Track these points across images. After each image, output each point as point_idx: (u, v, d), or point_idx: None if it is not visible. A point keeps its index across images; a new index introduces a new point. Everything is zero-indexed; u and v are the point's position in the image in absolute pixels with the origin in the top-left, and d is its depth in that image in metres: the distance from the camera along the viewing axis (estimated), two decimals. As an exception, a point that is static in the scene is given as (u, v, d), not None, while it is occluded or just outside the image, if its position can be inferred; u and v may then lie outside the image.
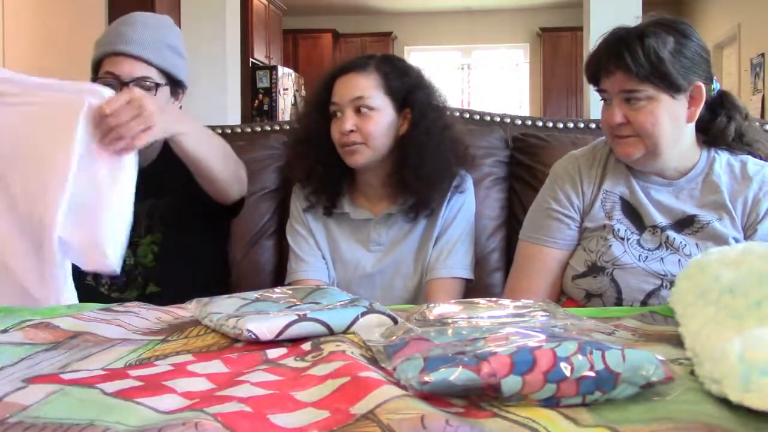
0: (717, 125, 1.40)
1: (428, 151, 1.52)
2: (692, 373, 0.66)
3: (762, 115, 6.46)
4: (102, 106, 1.19)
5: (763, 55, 6.70)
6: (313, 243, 1.62)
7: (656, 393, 0.59)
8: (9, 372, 0.68)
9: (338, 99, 1.52)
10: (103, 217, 1.21)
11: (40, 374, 0.67)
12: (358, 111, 1.50)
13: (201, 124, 1.45)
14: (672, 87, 1.29)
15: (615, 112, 1.32)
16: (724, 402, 0.56)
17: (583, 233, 1.44)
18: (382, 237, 1.60)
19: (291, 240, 1.64)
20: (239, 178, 1.54)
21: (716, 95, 1.40)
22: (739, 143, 1.41)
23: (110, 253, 1.21)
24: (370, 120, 1.50)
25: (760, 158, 1.43)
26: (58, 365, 0.72)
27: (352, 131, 1.49)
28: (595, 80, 1.38)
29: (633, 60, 1.27)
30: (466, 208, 1.62)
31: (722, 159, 1.41)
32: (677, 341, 0.77)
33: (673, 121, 1.31)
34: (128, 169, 1.23)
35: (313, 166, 1.59)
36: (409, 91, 1.54)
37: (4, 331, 0.84)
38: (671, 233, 1.36)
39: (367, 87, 1.51)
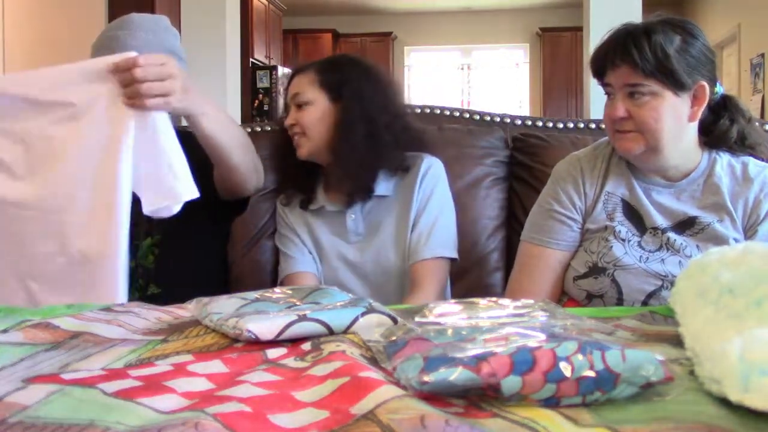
0: (719, 127, 1.40)
1: (347, 141, 1.58)
2: (692, 373, 0.66)
3: (762, 115, 6.46)
4: (137, 58, 1.18)
5: (763, 55, 6.70)
6: (298, 241, 1.67)
7: (656, 393, 0.59)
8: (9, 372, 0.68)
9: (287, 100, 1.67)
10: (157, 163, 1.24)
11: (40, 374, 0.67)
12: (298, 107, 1.62)
13: (223, 110, 1.45)
14: (676, 84, 1.29)
15: (618, 105, 1.33)
16: (724, 402, 0.56)
17: (585, 234, 1.44)
18: (359, 227, 1.64)
19: (279, 244, 1.72)
20: (257, 170, 1.56)
21: (719, 98, 1.40)
22: (742, 146, 1.42)
23: (179, 188, 1.24)
24: (304, 113, 1.61)
25: (763, 160, 1.43)
26: (58, 365, 0.72)
27: (293, 125, 1.61)
28: (600, 74, 1.38)
29: (639, 54, 1.28)
30: (439, 189, 1.65)
31: (723, 160, 1.41)
32: (677, 341, 0.77)
33: (675, 118, 1.32)
34: (159, 122, 1.24)
35: (286, 165, 1.69)
36: (341, 83, 1.62)
37: (4, 331, 0.84)
38: (672, 235, 1.37)
39: (302, 84, 1.63)
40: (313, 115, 1.60)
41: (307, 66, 1.66)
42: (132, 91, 1.19)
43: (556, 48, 9.36)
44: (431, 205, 1.62)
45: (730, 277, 0.76)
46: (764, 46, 6.68)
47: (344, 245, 1.64)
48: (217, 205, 1.57)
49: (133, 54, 1.21)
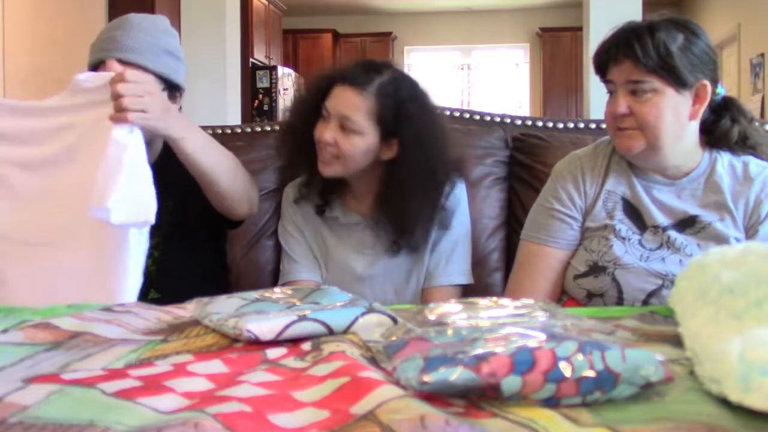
0: (720, 127, 1.40)
1: (412, 193, 1.50)
2: (692, 373, 0.66)
3: (762, 115, 6.46)
4: (124, 73, 1.25)
5: (763, 55, 6.70)
6: (304, 243, 1.62)
7: (656, 393, 0.59)
8: (9, 372, 0.68)
9: (330, 107, 1.49)
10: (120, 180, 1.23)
11: (40, 374, 0.67)
12: (342, 127, 1.48)
13: (209, 136, 1.45)
14: (678, 81, 1.30)
15: (620, 102, 1.33)
16: (724, 402, 0.56)
17: (585, 233, 1.44)
18: (373, 241, 1.59)
19: (282, 241, 1.65)
20: (249, 198, 1.52)
21: (721, 100, 1.40)
22: (743, 146, 1.42)
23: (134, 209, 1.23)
24: (350, 140, 1.47)
25: (764, 160, 1.43)
26: (58, 365, 0.72)
27: (329, 143, 1.48)
28: (602, 71, 1.38)
29: (642, 50, 1.29)
30: (460, 212, 1.61)
31: (724, 159, 1.41)
32: (677, 341, 0.77)
33: (675, 116, 1.32)
34: (131, 136, 1.25)
35: (299, 156, 1.59)
36: (400, 123, 1.49)
37: (4, 331, 0.84)
38: (672, 233, 1.37)
39: (358, 109, 1.47)
40: (359, 147, 1.48)
41: (367, 83, 1.48)
42: (116, 104, 1.24)
43: (556, 48, 9.36)
44: (452, 231, 1.58)
45: (730, 277, 0.76)
46: (764, 46, 6.67)
47: (354, 257, 1.60)
48: (212, 217, 1.55)
49: (120, 69, 1.28)
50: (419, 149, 1.49)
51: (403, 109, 1.49)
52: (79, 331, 0.85)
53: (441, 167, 1.54)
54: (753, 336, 0.59)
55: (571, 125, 1.99)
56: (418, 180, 1.50)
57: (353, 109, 1.47)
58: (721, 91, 1.40)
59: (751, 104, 6.78)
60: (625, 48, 1.31)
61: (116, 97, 1.23)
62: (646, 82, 1.30)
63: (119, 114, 1.23)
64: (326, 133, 1.48)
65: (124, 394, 0.60)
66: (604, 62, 1.37)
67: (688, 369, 0.67)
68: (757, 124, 1.50)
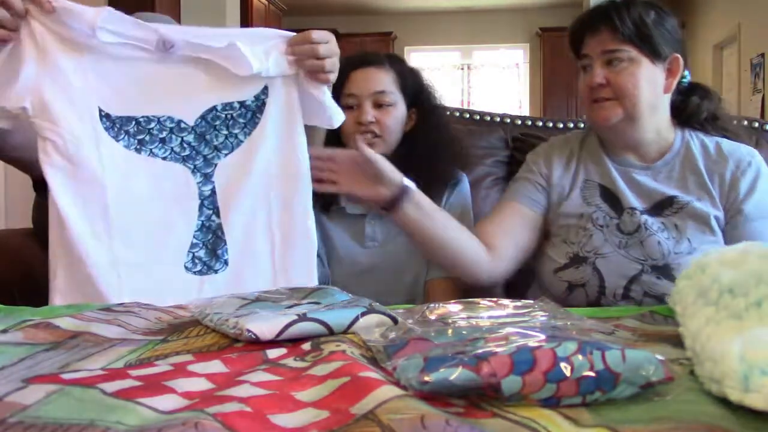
0: (690, 104, 1.45)
1: (433, 149, 1.56)
2: (692, 373, 0.66)
3: (762, 115, 6.45)
4: (310, 33, 1.23)
5: (763, 55, 6.70)
6: None
7: (656, 393, 0.59)
8: (9, 372, 0.68)
9: (358, 91, 1.56)
10: None
11: (40, 374, 0.67)
12: (377, 104, 1.54)
13: None
14: (653, 52, 1.35)
15: (596, 72, 1.37)
16: (724, 402, 0.56)
17: (560, 220, 1.45)
18: (377, 233, 1.61)
19: None
20: None
21: (688, 84, 1.45)
22: (714, 126, 1.46)
23: None
24: (389, 114, 1.55)
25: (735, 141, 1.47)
26: (58, 365, 0.72)
27: (371, 122, 1.53)
28: (577, 46, 1.42)
29: (620, 19, 1.34)
30: (465, 207, 1.64)
31: (697, 141, 1.45)
32: (677, 341, 0.77)
33: (651, 86, 1.36)
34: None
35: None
36: (417, 90, 1.60)
37: (4, 331, 0.84)
38: (650, 216, 1.38)
39: (388, 82, 1.57)
40: (397, 118, 1.57)
41: (381, 61, 1.60)
42: (317, 65, 1.24)
43: (556, 48, 9.35)
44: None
45: (730, 277, 0.76)
46: (764, 46, 6.67)
47: (359, 250, 1.61)
48: None
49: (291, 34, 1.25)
50: (435, 112, 1.61)
51: (415, 77, 1.63)
52: (79, 331, 0.85)
53: (447, 127, 1.64)
54: (753, 336, 0.59)
55: (571, 125, 1.99)
56: (438, 135, 1.58)
57: (384, 83, 1.56)
58: (688, 76, 1.45)
59: (751, 104, 6.78)
60: (602, 18, 1.36)
61: (313, 57, 1.22)
62: (623, 51, 1.34)
63: (322, 76, 1.24)
64: (364, 115, 1.54)
65: (124, 394, 0.60)
66: (580, 35, 1.41)
67: (688, 369, 0.67)
68: (724, 105, 1.53)
